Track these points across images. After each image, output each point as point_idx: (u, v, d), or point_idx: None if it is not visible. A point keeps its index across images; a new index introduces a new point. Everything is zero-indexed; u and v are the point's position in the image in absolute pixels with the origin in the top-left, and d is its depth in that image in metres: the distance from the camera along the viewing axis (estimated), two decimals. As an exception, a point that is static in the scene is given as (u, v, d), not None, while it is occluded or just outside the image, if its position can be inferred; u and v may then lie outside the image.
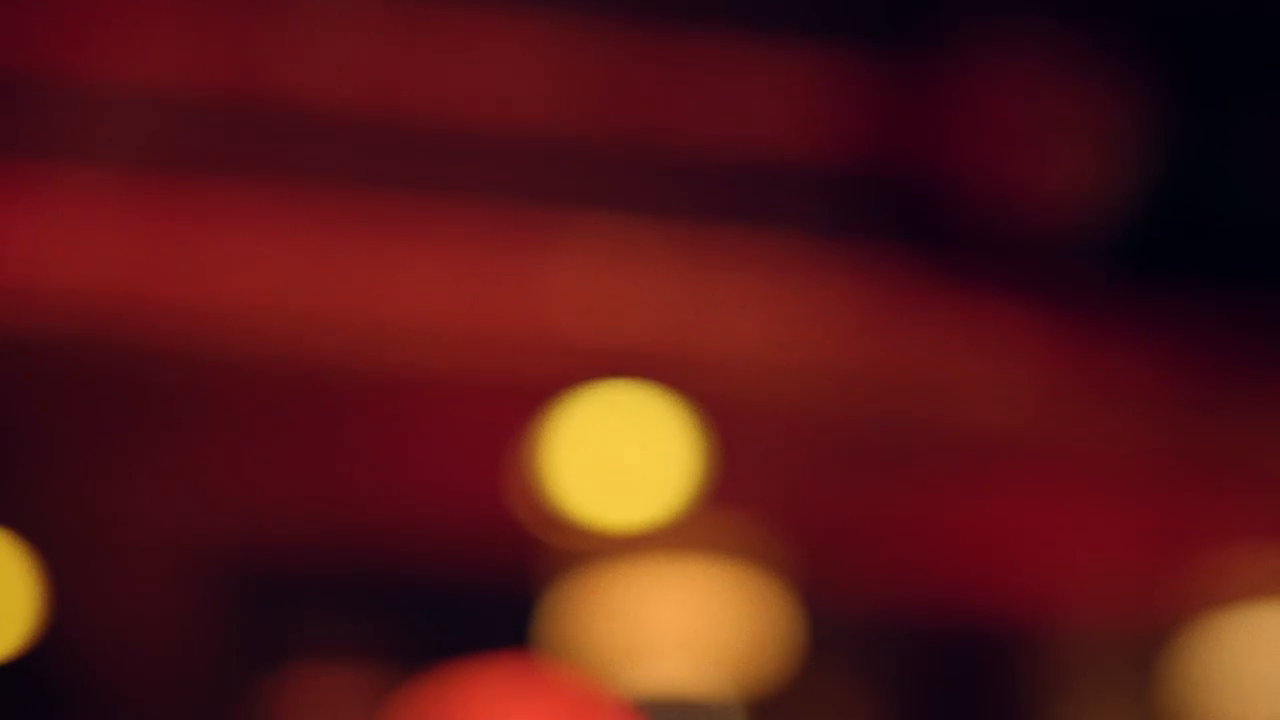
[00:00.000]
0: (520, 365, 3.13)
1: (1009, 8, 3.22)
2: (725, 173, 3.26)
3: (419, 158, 3.11)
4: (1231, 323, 3.36)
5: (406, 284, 3.00)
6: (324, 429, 3.34)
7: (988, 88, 3.22)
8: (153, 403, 3.16)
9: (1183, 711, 5.51)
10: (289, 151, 3.04)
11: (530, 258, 3.08)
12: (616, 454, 3.40)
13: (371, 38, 3.16)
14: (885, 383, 3.33)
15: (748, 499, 3.75)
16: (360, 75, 3.13)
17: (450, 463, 3.47)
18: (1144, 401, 3.46)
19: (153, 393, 3.12)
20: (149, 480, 3.53)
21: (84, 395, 3.15)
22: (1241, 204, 3.38)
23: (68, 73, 2.99)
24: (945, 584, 4.66)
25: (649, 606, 4.44)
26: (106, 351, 2.98)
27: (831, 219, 3.24)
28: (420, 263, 3.01)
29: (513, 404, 3.22)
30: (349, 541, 3.83)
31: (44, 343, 2.95)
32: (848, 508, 3.92)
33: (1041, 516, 4.08)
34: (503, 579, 4.26)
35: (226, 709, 5.94)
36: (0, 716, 5.72)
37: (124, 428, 3.27)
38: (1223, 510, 4.09)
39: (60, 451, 3.39)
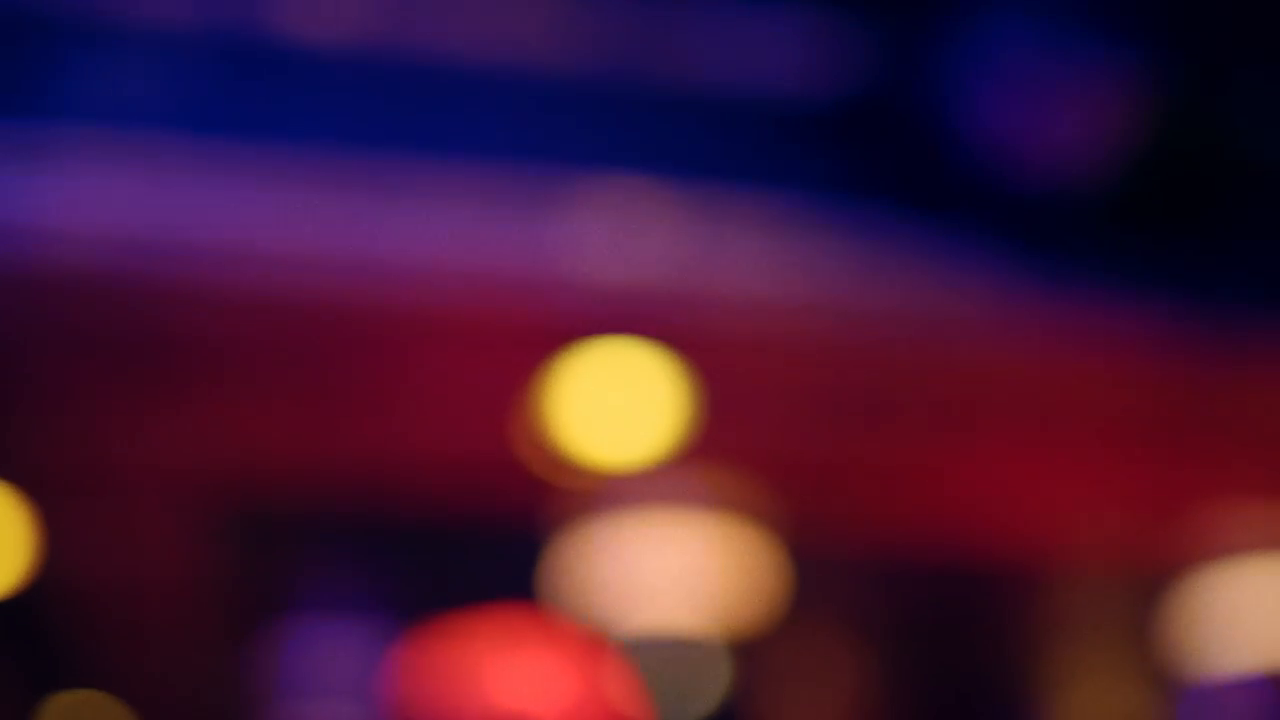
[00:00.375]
0: (519, 310, 3.15)
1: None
2: (718, 122, 3.26)
3: (424, 105, 3.12)
4: (1226, 277, 3.37)
5: (410, 227, 3.01)
6: (326, 372, 3.35)
7: (984, 38, 3.23)
8: (155, 343, 3.17)
9: (1172, 657, 5.59)
10: (292, 96, 3.06)
11: (529, 204, 3.09)
12: (613, 399, 3.44)
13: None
14: (879, 333, 3.34)
15: (743, 447, 3.78)
16: (363, 20, 3.14)
17: (452, 405, 3.49)
18: (1136, 355, 3.48)
19: (155, 333, 3.13)
20: (150, 421, 3.55)
21: (82, 336, 3.16)
22: (1238, 160, 3.39)
23: (79, 19, 3.00)
24: (932, 532, 4.71)
25: (642, 552, 4.56)
26: (106, 292, 2.99)
27: (827, 169, 3.25)
28: (425, 207, 3.02)
29: (513, 347, 3.24)
30: (350, 483, 3.86)
31: (41, 283, 2.96)
32: (840, 458, 3.95)
33: (1031, 467, 4.10)
34: (503, 521, 4.29)
35: (227, 650, 5.96)
36: (-2, 656, 5.75)
37: (124, 368, 3.28)
38: (1214, 465, 4.11)
39: (58, 392, 3.40)
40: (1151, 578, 5.62)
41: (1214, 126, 3.34)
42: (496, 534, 4.71)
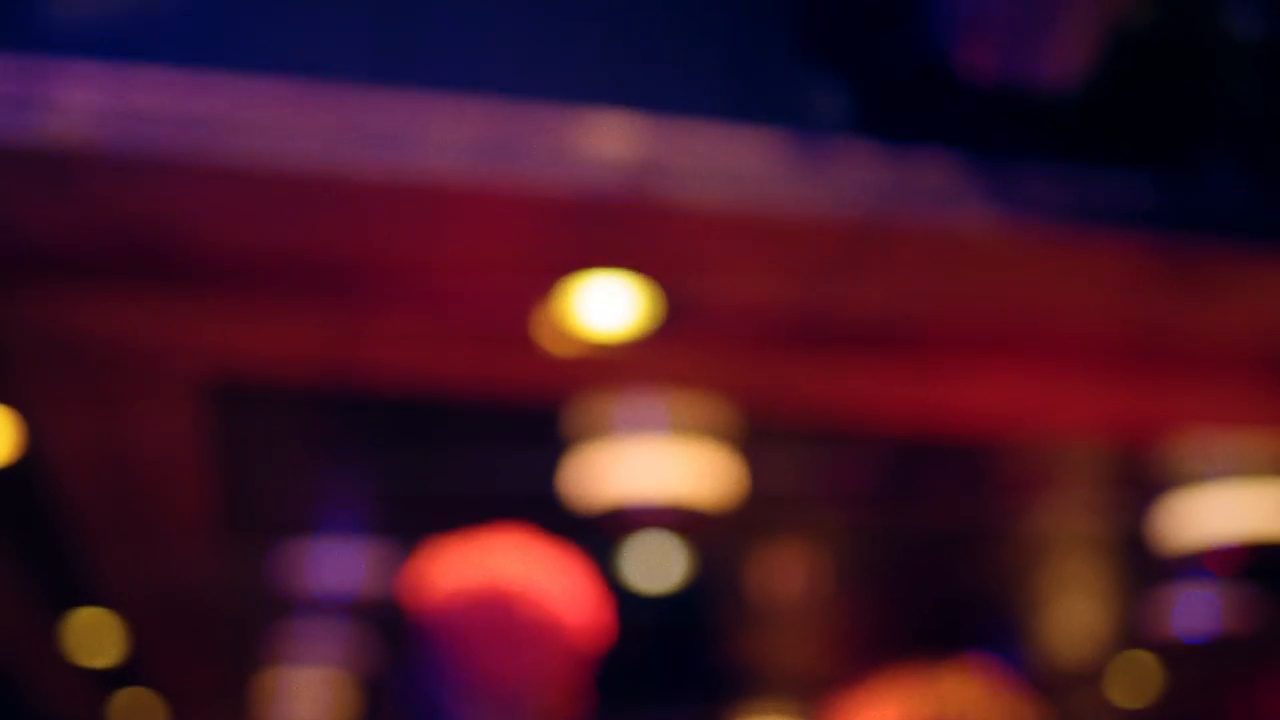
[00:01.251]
0: (512, 189, 3.10)
1: None
2: (679, 18, 3.21)
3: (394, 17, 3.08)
4: (1202, 196, 3.36)
5: (404, 107, 2.99)
6: (326, 252, 3.33)
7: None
8: (150, 218, 3.12)
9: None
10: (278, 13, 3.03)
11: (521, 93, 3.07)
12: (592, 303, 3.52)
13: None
14: (848, 257, 3.34)
15: (713, 346, 3.80)
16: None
17: (447, 287, 3.49)
18: (1103, 281, 3.48)
19: (150, 209, 3.08)
20: (149, 303, 3.55)
21: (73, 213, 3.13)
22: (1205, 90, 3.37)
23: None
24: (897, 438, 4.79)
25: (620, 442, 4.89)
26: (94, 166, 2.93)
27: (793, 68, 3.20)
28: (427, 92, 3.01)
29: (508, 225, 3.20)
30: (349, 367, 3.86)
31: (27, 158, 2.93)
32: (800, 378, 3.98)
33: (1002, 381, 4.13)
34: (498, 408, 4.35)
35: (226, 554, 6.01)
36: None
37: (117, 245, 3.24)
38: (1183, 382, 4.14)
39: (47, 269, 3.38)
40: (1118, 485, 5.73)
41: (1189, 57, 3.33)
42: (489, 420, 4.79)
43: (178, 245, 3.21)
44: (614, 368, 3.91)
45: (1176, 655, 8.21)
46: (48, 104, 2.80)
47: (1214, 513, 5.42)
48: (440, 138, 2.89)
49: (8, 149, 2.86)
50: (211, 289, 3.43)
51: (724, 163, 3.05)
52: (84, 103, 2.80)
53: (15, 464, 4.66)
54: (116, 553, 5.86)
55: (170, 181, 2.94)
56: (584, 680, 2.31)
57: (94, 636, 7.77)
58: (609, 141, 2.97)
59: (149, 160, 2.86)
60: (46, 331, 3.71)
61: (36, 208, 3.07)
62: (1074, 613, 7.91)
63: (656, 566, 6.64)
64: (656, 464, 4.89)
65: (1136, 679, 9.07)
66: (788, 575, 6.97)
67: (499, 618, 2.22)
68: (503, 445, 5.05)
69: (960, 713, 1.77)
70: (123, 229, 3.14)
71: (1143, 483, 5.62)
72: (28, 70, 2.80)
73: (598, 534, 5.00)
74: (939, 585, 7.36)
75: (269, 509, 5.87)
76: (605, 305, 3.51)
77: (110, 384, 4.09)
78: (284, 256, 3.28)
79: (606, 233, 3.19)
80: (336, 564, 6.49)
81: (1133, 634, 7.99)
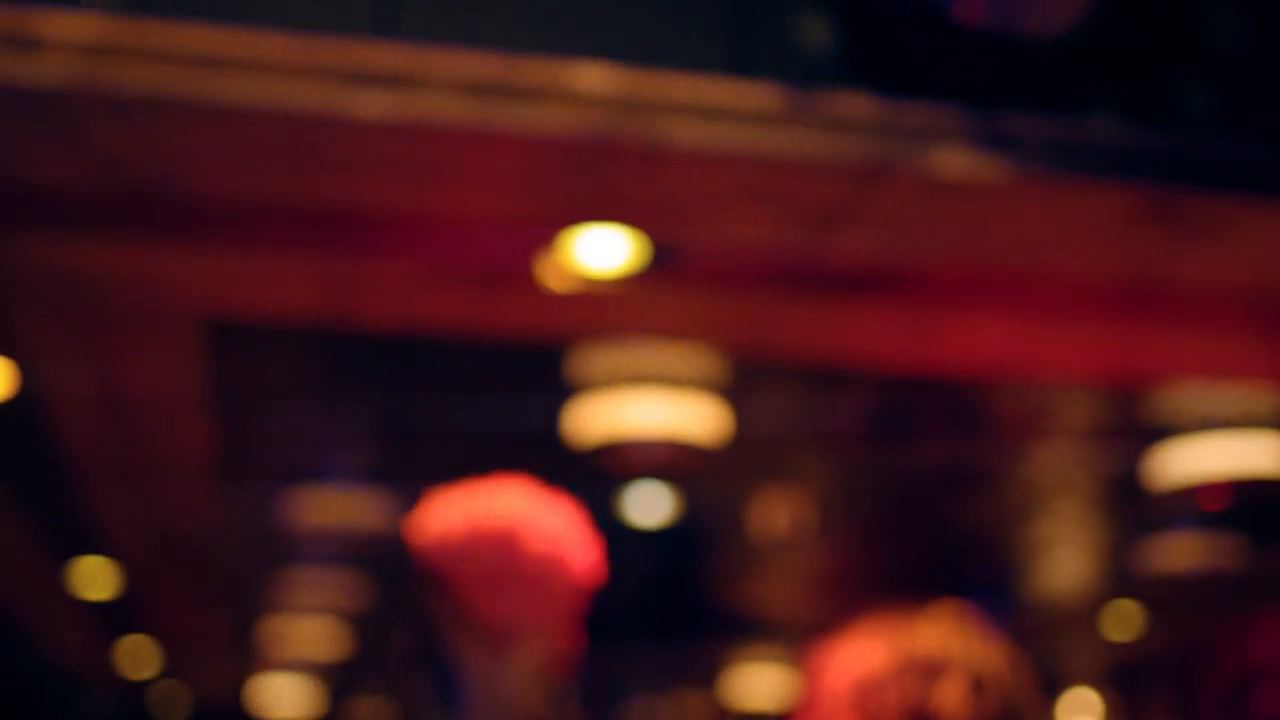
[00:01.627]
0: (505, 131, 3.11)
1: None
2: None
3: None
4: (1188, 151, 3.36)
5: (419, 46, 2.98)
6: (317, 193, 3.32)
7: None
8: (143, 156, 3.10)
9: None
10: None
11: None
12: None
13: None
14: (841, 203, 3.34)
15: (704, 290, 3.81)
16: None
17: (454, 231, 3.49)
18: (1094, 227, 3.48)
19: (143, 146, 3.06)
20: (146, 244, 3.55)
21: (65, 153, 3.13)
22: (1193, 36, 3.36)
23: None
24: (888, 377, 4.81)
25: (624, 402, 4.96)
26: (87, 104, 2.94)
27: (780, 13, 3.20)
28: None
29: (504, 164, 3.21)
30: (353, 311, 3.86)
31: (18, 96, 2.92)
32: (795, 322, 3.98)
33: (986, 336, 4.13)
34: (495, 347, 4.37)
35: (225, 499, 6.03)
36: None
37: (112, 183, 3.23)
38: (1169, 339, 4.15)
39: (38, 208, 3.38)
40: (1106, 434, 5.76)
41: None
42: (487, 362, 4.81)
43: (175, 188, 3.21)
44: (610, 312, 3.93)
45: (1167, 597, 8.27)
46: (45, 46, 2.80)
47: (1204, 455, 5.48)
48: (436, 85, 2.90)
49: (3, 90, 2.85)
50: (210, 232, 3.44)
51: (718, 110, 3.05)
52: (81, 45, 2.80)
53: (13, 408, 4.68)
54: (115, 496, 5.87)
55: (168, 125, 2.94)
56: (579, 620, 2.34)
57: (93, 582, 7.81)
58: (602, 89, 2.98)
59: (147, 103, 2.85)
60: (44, 275, 3.71)
61: (33, 151, 3.06)
62: (1066, 554, 7.96)
63: (651, 508, 6.69)
64: (651, 405, 4.97)
65: (1127, 620, 9.14)
66: (780, 518, 7.02)
67: (502, 556, 2.24)
68: (501, 387, 5.07)
69: (943, 657, 1.79)
70: (120, 172, 3.13)
71: (1135, 428, 5.66)
72: (24, 11, 2.80)
73: (595, 476, 5.05)
74: (931, 528, 7.40)
75: (268, 452, 5.88)
76: (600, 250, 3.53)
77: (108, 328, 4.09)
78: (282, 200, 3.27)
79: (601, 179, 3.20)
80: (336, 507, 6.51)
81: (1125, 575, 8.04)
